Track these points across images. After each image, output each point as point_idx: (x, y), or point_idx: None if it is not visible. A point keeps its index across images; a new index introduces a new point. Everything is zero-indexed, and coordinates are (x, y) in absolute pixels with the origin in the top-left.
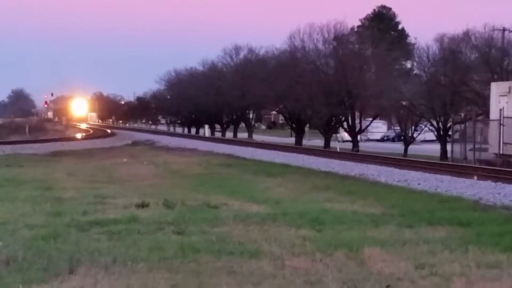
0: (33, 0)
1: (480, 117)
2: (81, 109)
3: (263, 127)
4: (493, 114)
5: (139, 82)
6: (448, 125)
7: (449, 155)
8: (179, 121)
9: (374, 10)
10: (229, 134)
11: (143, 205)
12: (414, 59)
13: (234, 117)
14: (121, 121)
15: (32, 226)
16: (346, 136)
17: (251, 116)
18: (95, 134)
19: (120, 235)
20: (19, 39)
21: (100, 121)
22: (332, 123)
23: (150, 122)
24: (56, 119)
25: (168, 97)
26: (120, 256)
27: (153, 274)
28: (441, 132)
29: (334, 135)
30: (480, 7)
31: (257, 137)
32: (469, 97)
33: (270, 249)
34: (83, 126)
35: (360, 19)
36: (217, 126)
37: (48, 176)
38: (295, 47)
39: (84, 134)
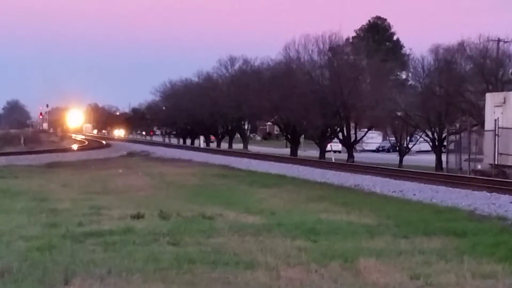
0: (28, 11)
1: (475, 128)
2: (76, 120)
3: (258, 138)
4: (488, 124)
5: (134, 93)
6: (443, 135)
7: (444, 165)
8: (174, 132)
9: (369, 21)
10: (224, 145)
11: (138, 216)
12: (409, 70)
13: (229, 128)
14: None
15: (27, 238)
16: (335, 146)
17: (246, 127)
18: (90, 145)
19: (115, 246)
20: (14, 50)
21: (96, 132)
22: (327, 134)
23: (143, 133)
24: (51, 130)
25: (163, 108)
26: (115, 267)
27: (149, 285)
28: (436, 143)
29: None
30: (475, 18)
31: (252, 148)
32: (464, 107)
33: (265, 260)
34: (79, 137)
35: (355, 30)
36: (212, 137)
37: (43, 188)
38: (290, 58)
39: (79, 145)
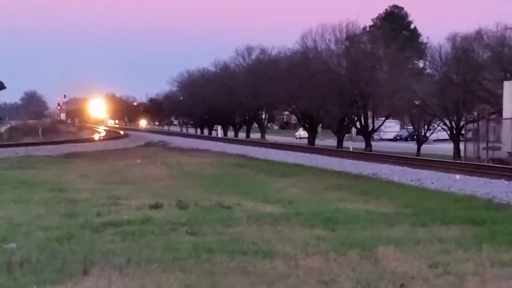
0: (44, 2)
1: (493, 116)
2: (98, 111)
3: (276, 127)
4: (506, 113)
5: (152, 83)
6: (461, 124)
7: (462, 154)
8: (191, 122)
9: (386, 9)
10: (241, 135)
11: (156, 206)
12: (426, 59)
13: (247, 117)
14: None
15: (46, 228)
16: (303, 133)
17: (263, 116)
18: (109, 135)
19: (134, 236)
20: (31, 41)
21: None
22: (345, 123)
23: (157, 123)
24: (69, 120)
25: (181, 98)
26: (134, 257)
27: (167, 274)
28: (454, 131)
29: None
30: (493, 5)
31: (269, 137)
32: (482, 96)
33: (284, 249)
34: (101, 128)
35: (372, 19)
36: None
37: (61, 178)
38: (307, 47)
39: (97, 136)
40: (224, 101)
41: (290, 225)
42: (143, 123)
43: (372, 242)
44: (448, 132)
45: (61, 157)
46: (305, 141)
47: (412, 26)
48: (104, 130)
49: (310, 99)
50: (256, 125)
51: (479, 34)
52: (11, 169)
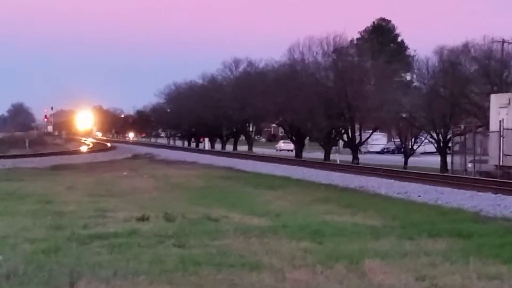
0: (31, 14)
1: (480, 129)
2: (86, 123)
3: (263, 139)
4: (493, 126)
5: (139, 96)
6: (448, 137)
7: (449, 167)
8: (179, 134)
9: (373, 22)
10: (229, 147)
11: (143, 219)
12: (413, 71)
13: (234, 130)
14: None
15: (33, 240)
16: (283, 145)
17: (251, 129)
18: (95, 147)
19: (121, 249)
20: (18, 53)
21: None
22: (332, 136)
23: (143, 136)
24: (56, 133)
25: (168, 110)
26: (121, 270)
27: (154, 287)
28: (441, 144)
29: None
30: (480, 19)
31: (257, 149)
32: (469, 109)
33: (271, 261)
34: (89, 140)
35: (359, 32)
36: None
37: (48, 190)
38: (294, 60)
39: (84, 148)
40: (212, 114)
41: (277, 238)
42: (130, 135)
43: (359, 254)
44: (435, 145)
45: (48, 169)
46: (286, 154)
47: (399, 39)
48: (91, 142)
49: (298, 111)
50: (244, 138)
51: (466, 47)
52: None
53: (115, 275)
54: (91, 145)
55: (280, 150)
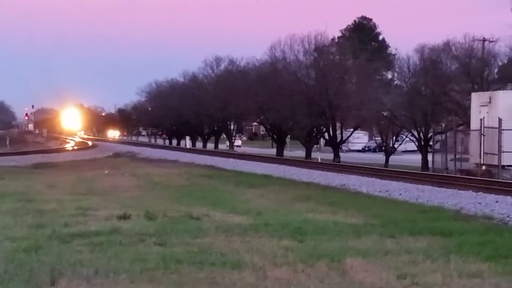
0: (8, 13)
1: (460, 127)
2: (72, 121)
3: (244, 138)
4: (474, 124)
5: (120, 94)
6: (429, 135)
7: (430, 165)
8: (160, 133)
9: (354, 21)
10: (210, 145)
11: (124, 217)
12: (394, 70)
13: (215, 128)
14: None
15: (14, 239)
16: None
17: (232, 127)
18: (77, 146)
19: (102, 247)
20: None
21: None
22: (313, 134)
23: (125, 134)
24: (37, 131)
25: (149, 108)
26: (102, 268)
27: (136, 285)
28: (422, 143)
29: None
30: (461, 18)
31: (238, 148)
32: (450, 107)
33: (252, 260)
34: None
35: (340, 30)
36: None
37: (29, 188)
38: (276, 58)
39: (65, 146)
40: (193, 112)
41: (259, 236)
42: (113, 133)
43: (340, 253)
44: (416, 143)
45: (29, 168)
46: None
47: (380, 38)
48: (73, 140)
49: (279, 110)
50: (225, 136)
51: (447, 45)
52: None
53: (96, 273)
54: (73, 143)
55: (237, 146)
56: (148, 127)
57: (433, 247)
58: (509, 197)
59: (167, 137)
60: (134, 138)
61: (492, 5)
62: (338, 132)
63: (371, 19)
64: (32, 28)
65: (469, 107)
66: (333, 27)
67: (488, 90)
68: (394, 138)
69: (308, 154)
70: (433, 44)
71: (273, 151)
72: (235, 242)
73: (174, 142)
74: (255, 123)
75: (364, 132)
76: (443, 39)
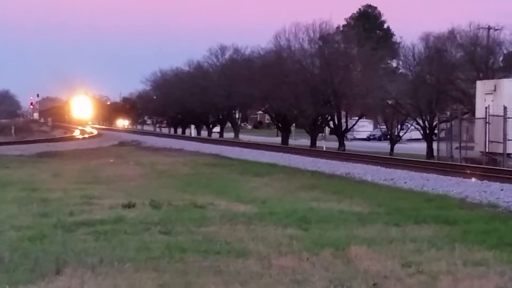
0: (16, 2)
1: (465, 116)
2: (82, 110)
3: (249, 126)
4: (479, 112)
5: (125, 83)
6: (434, 123)
7: (435, 153)
8: (165, 122)
9: (359, 9)
10: (215, 134)
11: (129, 206)
12: (399, 58)
13: (220, 117)
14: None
15: (19, 227)
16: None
17: (237, 116)
18: (82, 135)
19: (107, 236)
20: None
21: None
22: (318, 123)
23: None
24: (42, 120)
25: (154, 97)
26: (106, 257)
27: (140, 274)
28: (427, 131)
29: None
30: (465, 5)
31: (243, 137)
32: (455, 95)
33: (257, 248)
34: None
35: (345, 19)
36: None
37: (34, 177)
38: (280, 47)
39: (70, 135)
40: (198, 101)
41: (263, 225)
42: (123, 122)
43: (345, 241)
44: (421, 131)
45: (34, 157)
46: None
47: (385, 26)
48: (79, 129)
49: (284, 98)
50: (230, 125)
51: (452, 33)
52: None
53: (101, 262)
54: (78, 132)
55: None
56: (153, 116)
57: (438, 235)
58: None
59: (165, 126)
60: (139, 127)
61: None
62: (343, 120)
63: (376, 7)
64: (37, 18)
65: (474, 95)
66: (338, 15)
67: (493, 78)
68: (399, 126)
69: (313, 143)
70: (438, 32)
71: (278, 140)
72: (240, 231)
73: (179, 131)
74: (260, 112)
75: (369, 120)
76: (448, 27)
